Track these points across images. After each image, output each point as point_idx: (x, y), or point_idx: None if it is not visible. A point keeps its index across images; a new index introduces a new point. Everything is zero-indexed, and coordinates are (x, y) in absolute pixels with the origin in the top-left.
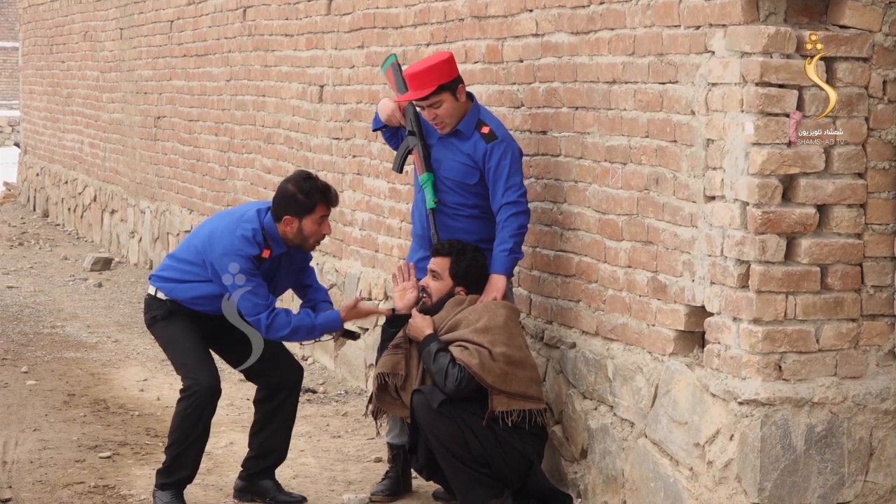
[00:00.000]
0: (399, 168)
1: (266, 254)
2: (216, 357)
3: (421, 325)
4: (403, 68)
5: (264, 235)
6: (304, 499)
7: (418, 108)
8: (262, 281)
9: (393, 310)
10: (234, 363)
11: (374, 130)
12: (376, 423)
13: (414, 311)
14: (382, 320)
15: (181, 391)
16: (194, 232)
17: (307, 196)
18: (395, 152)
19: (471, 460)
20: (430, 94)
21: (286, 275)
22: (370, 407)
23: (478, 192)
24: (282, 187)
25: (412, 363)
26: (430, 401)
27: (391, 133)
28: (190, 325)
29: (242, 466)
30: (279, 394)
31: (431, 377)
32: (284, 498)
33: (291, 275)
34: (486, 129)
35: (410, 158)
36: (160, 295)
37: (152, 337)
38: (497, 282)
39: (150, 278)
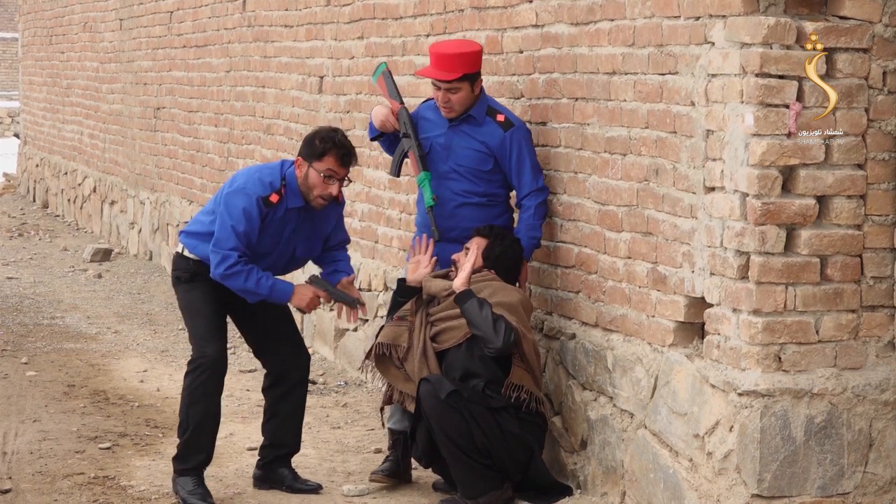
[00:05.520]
0: (397, 172)
1: (274, 198)
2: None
3: (465, 276)
4: (431, 43)
5: (283, 185)
6: (320, 486)
7: (433, 87)
8: (253, 231)
9: (403, 279)
10: (250, 333)
11: (372, 140)
12: (381, 415)
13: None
14: (384, 311)
15: (188, 363)
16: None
17: (322, 142)
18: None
19: (474, 451)
20: (454, 79)
21: (308, 237)
22: (367, 362)
23: (490, 180)
24: (309, 132)
25: (415, 335)
26: (438, 391)
27: (389, 142)
28: (211, 292)
29: (259, 454)
30: (285, 381)
31: (473, 326)
32: (300, 486)
33: (316, 238)
34: (501, 118)
35: (407, 161)
36: (186, 253)
37: (174, 294)
38: (524, 267)
39: (179, 234)
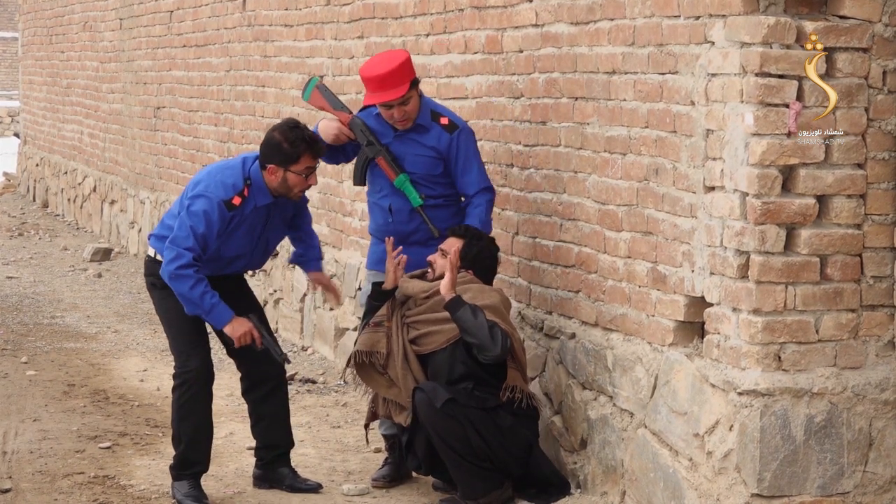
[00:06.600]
0: (361, 181)
1: (237, 201)
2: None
3: (449, 282)
4: (360, 69)
5: (247, 185)
6: (320, 486)
7: (380, 110)
8: (211, 235)
9: (380, 283)
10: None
11: None
12: (366, 432)
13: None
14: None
15: (173, 377)
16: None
17: (293, 146)
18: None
19: (472, 455)
20: (406, 92)
21: (277, 226)
22: (348, 370)
23: (443, 182)
24: (268, 135)
25: (393, 340)
26: (433, 399)
27: (330, 153)
28: None
29: (255, 455)
30: (262, 385)
31: (468, 334)
32: (300, 485)
33: (283, 224)
34: (445, 120)
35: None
36: (158, 257)
37: (152, 304)
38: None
39: (148, 238)
